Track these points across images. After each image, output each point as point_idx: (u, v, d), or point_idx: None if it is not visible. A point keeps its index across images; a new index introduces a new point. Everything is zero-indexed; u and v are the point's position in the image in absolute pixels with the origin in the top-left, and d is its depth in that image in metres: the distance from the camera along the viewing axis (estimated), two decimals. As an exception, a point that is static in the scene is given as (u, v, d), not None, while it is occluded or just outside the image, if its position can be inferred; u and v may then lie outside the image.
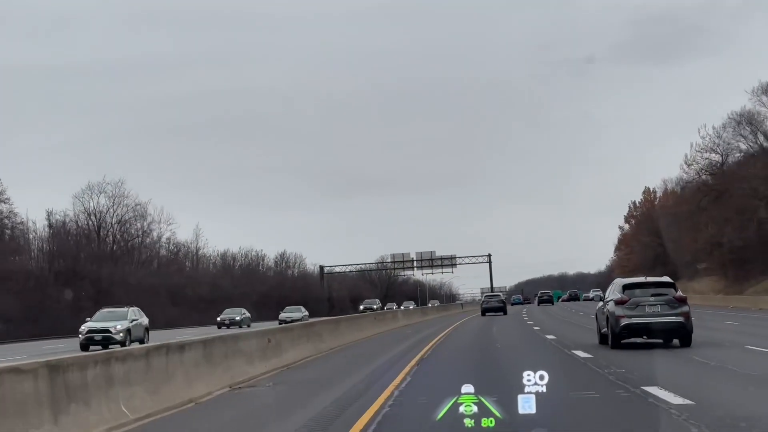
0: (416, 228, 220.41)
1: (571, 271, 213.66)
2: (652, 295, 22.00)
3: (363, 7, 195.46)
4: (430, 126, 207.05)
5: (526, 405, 8.11)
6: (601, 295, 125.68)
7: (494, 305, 63.75)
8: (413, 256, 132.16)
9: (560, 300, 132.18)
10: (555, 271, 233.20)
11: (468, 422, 8.04)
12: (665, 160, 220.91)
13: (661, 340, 21.98)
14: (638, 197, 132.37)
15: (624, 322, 21.82)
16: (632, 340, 21.80)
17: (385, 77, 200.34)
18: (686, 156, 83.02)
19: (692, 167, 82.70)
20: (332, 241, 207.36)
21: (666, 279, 23.29)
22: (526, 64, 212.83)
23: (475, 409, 8.10)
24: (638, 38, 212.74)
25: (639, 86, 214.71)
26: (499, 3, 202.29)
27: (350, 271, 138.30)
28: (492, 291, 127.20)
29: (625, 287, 22.34)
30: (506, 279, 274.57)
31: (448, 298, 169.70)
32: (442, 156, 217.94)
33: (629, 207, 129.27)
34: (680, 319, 21.62)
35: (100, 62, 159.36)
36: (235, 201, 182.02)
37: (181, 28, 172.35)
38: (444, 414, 8.10)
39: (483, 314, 60.59)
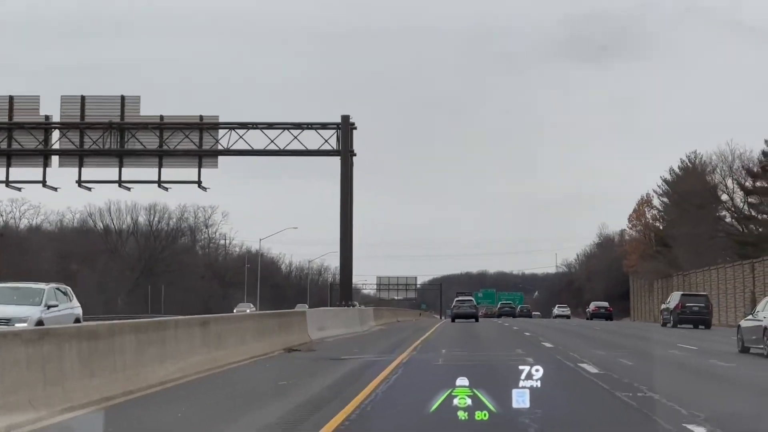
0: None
1: (492, 269, 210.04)
2: None
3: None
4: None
5: (520, 399, 9.26)
6: (567, 313, 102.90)
7: (466, 311, 67.84)
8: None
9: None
10: (473, 267, 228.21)
11: (462, 414, 9.38)
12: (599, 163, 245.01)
13: None
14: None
15: None
16: None
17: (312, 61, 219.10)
18: None
19: None
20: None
21: None
22: (454, 54, 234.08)
23: (469, 402, 9.39)
24: (571, 37, 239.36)
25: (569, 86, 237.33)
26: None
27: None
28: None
29: None
30: (401, 268, 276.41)
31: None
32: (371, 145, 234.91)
33: None
34: None
35: None
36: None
37: None
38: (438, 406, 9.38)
39: (453, 320, 67.24)
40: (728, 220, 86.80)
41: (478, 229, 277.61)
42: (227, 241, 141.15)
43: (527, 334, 41.26)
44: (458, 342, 33.58)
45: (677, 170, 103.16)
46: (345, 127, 52.64)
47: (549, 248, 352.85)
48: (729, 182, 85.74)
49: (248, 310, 72.75)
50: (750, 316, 28.59)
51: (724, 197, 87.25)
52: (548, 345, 30.39)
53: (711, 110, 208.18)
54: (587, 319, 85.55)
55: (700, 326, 56.11)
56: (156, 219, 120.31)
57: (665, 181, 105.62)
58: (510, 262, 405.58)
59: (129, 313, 73.94)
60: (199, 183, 52.35)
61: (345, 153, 52.47)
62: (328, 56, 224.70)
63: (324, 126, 52.95)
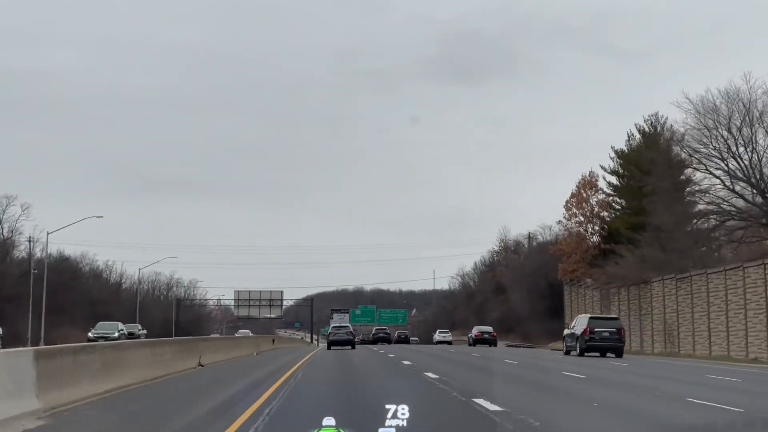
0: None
1: (368, 286, 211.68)
2: None
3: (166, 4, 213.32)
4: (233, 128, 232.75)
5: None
6: (449, 338, 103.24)
7: (342, 338, 66.95)
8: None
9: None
10: (349, 284, 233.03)
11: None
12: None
13: None
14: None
15: None
16: None
17: (188, 76, 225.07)
18: None
19: None
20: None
21: None
22: (328, 71, 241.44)
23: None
24: (443, 55, 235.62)
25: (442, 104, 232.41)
26: (304, 5, 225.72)
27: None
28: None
29: None
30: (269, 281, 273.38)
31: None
32: (246, 159, 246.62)
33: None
34: None
35: None
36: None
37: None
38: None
39: (329, 347, 67.61)
40: (749, 196, 59.45)
41: (352, 243, 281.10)
42: (32, 242, 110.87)
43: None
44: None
45: (638, 135, 75.34)
46: None
47: (430, 264, 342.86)
48: (744, 134, 58.33)
49: None
50: None
51: (732, 163, 59.71)
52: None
53: (582, 127, 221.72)
54: (469, 345, 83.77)
55: (609, 354, 53.38)
56: None
57: (618, 153, 77.56)
58: (388, 277, 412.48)
59: None
60: None
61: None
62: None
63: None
